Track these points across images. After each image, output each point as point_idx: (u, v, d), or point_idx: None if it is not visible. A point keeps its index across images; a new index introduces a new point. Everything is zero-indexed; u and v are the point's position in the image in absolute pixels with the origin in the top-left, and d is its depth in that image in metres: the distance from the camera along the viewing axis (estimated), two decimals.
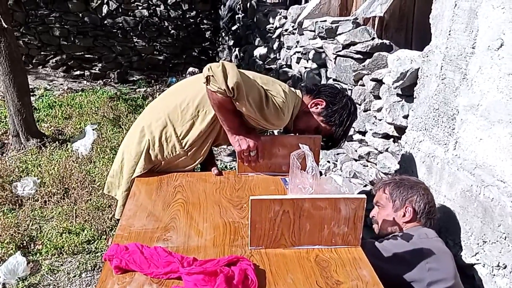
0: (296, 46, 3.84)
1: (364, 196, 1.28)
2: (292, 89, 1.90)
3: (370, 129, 2.69)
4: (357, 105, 2.84)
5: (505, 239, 1.63)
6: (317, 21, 3.29)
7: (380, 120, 2.63)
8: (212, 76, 1.53)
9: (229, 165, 3.92)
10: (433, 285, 1.54)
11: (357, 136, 2.85)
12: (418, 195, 1.78)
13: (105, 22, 6.67)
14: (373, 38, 2.83)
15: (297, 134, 1.94)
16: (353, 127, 2.82)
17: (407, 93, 2.33)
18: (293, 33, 3.96)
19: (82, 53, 6.73)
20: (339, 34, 3.04)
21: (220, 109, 1.67)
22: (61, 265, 2.48)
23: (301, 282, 1.17)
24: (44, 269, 2.42)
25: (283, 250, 1.30)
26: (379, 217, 1.83)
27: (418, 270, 1.54)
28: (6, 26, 3.51)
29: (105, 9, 6.60)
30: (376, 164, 2.63)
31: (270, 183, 1.79)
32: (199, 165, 1.93)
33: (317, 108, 1.89)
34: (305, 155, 1.41)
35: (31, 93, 4.93)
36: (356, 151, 2.86)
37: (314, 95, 1.91)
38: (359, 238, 1.32)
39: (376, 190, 1.89)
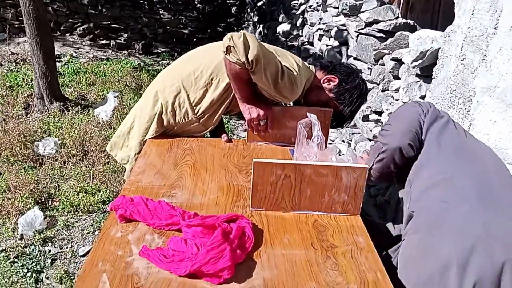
0: (319, 23, 3.79)
1: (366, 165, 1.29)
2: (305, 63, 1.90)
3: (387, 109, 2.66)
4: (375, 85, 2.83)
5: None
6: None
7: (397, 100, 2.60)
8: (233, 46, 1.54)
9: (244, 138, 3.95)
10: None
11: (373, 116, 2.83)
12: None
13: None
14: (397, 17, 2.78)
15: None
16: (370, 107, 2.80)
17: (426, 73, 2.30)
18: (317, 10, 3.91)
19: (109, 22, 6.79)
20: (363, 11, 2.99)
21: (235, 78, 1.69)
22: (76, 222, 2.59)
23: (296, 242, 1.20)
24: (59, 224, 2.53)
25: (283, 213, 1.33)
26: None
27: None
28: None
29: None
30: None
31: (277, 152, 1.81)
32: (208, 133, 1.96)
33: (329, 84, 1.89)
34: (312, 124, 1.43)
35: (58, 59, 5.05)
36: (371, 131, 2.85)
37: (328, 71, 1.91)
38: (359, 207, 1.34)
39: None
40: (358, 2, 3.02)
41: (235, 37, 1.52)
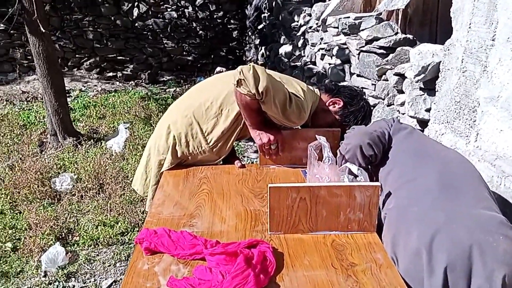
0: (320, 43, 3.88)
1: (378, 183, 1.33)
2: (310, 87, 1.97)
3: None
4: (380, 100, 2.88)
5: None
6: (340, 18, 3.33)
7: (403, 114, 2.65)
8: (244, 79, 1.62)
9: (256, 161, 4.00)
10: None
11: None
12: None
13: (136, 24, 6.89)
14: (396, 33, 2.85)
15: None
16: None
17: (429, 86, 2.35)
18: (317, 30, 4.00)
19: (115, 55, 6.97)
20: (362, 30, 3.07)
21: (246, 108, 1.76)
22: (97, 255, 2.63)
23: (317, 263, 1.24)
24: (81, 259, 2.58)
25: (301, 235, 1.38)
26: None
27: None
28: (44, 30, 3.71)
29: (135, 12, 6.82)
30: None
31: (290, 174, 1.86)
32: (221, 161, 2.02)
33: (335, 106, 1.96)
34: (322, 146, 1.48)
35: (67, 94, 5.18)
36: None
37: (333, 94, 1.98)
38: (374, 224, 1.38)
39: None
40: (357, 21, 3.11)
41: (245, 70, 1.60)
